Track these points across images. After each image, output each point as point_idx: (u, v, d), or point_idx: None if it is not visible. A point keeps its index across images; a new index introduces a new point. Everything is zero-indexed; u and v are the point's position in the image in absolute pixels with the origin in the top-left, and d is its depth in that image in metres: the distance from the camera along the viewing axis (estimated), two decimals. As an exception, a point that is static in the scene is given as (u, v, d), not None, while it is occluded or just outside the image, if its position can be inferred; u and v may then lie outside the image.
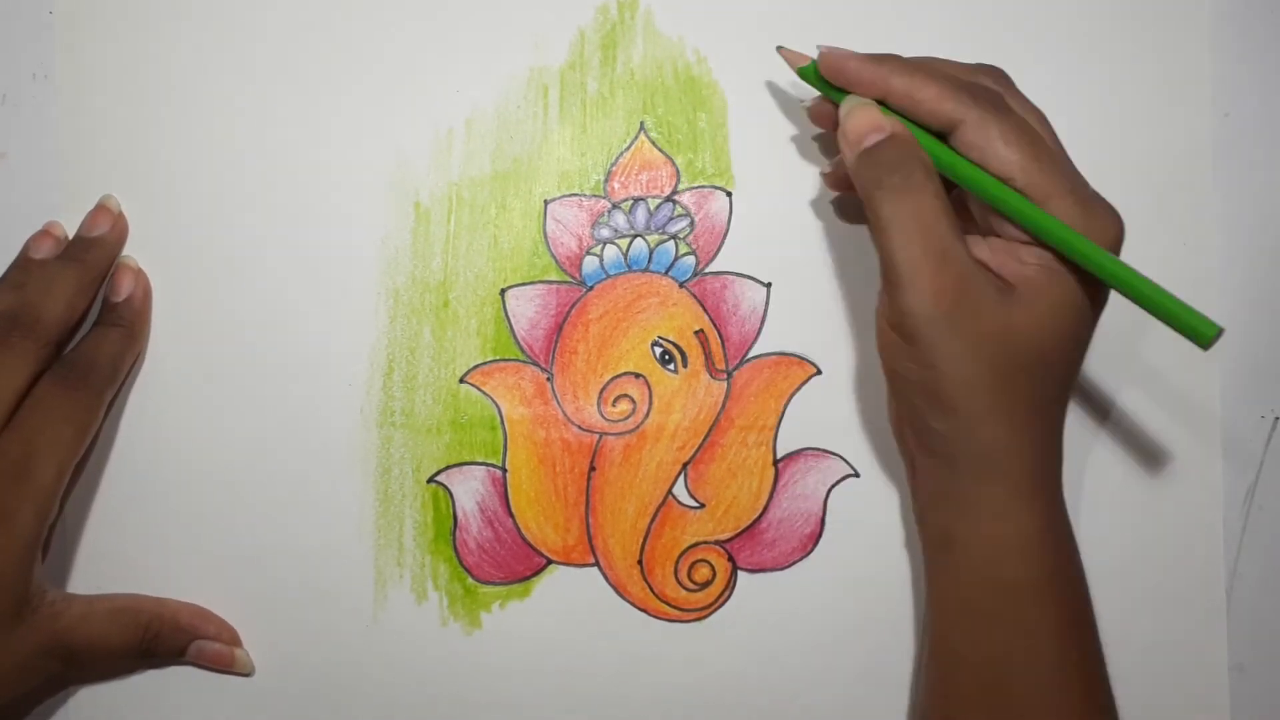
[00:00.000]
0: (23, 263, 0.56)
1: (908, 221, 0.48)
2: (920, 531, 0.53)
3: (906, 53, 0.58)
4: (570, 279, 0.59)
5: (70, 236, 0.57)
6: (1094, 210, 0.48)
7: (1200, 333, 0.42)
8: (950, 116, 0.49)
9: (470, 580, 0.58)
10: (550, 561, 0.58)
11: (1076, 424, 0.58)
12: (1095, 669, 0.50)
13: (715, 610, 0.58)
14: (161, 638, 0.56)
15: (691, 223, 0.59)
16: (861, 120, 0.50)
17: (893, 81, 0.50)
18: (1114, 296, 0.49)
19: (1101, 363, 0.58)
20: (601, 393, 0.58)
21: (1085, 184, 0.49)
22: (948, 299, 0.47)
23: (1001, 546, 0.49)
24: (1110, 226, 0.48)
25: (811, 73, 0.54)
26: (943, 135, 0.50)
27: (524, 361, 0.58)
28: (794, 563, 0.58)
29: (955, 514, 0.50)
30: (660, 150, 0.59)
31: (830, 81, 0.53)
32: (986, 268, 0.49)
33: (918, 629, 0.58)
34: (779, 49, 0.56)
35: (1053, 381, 0.49)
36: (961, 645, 0.51)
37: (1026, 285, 0.48)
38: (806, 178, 0.59)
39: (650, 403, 0.58)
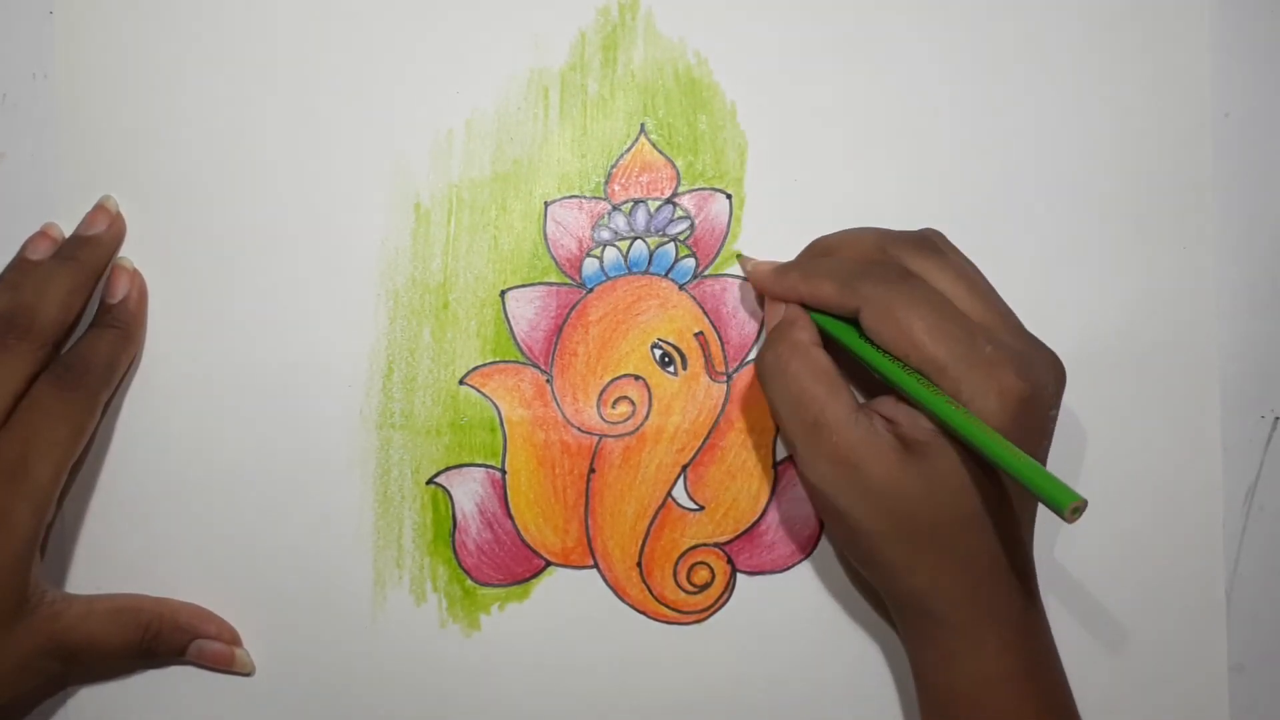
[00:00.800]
0: (19, 263, 0.56)
1: (782, 397, 0.51)
2: None
3: (904, 52, 0.59)
4: (570, 281, 0.59)
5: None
6: (991, 374, 0.47)
7: (1059, 502, 0.42)
8: (849, 306, 0.51)
9: (469, 582, 0.58)
10: (549, 563, 0.58)
11: (1077, 423, 0.58)
12: None
13: (714, 612, 0.58)
14: (161, 637, 0.56)
15: (691, 225, 0.59)
16: (767, 310, 0.56)
17: (800, 288, 0.54)
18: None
19: (1101, 363, 0.58)
20: (601, 395, 0.58)
21: (990, 343, 0.49)
22: (827, 463, 0.50)
23: (956, 687, 0.51)
24: (1010, 388, 0.47)
25: None
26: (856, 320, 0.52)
27: (524, 363, 0.58)
28: (793, 565, 0.58)
29: (917, 656, 0.53)
30: (660, 152, 0.59)
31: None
32: (895, 424, 0.50)
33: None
34: (738, 256, 0.59)
35: (973, 537, 0.49)
36: None
37: (921, 449, 0.48)
38: (806, 179, 0.59)
39: (650, 405, 0.58)
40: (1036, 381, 0.48)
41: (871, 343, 0.50)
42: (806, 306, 0.54)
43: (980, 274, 0.53)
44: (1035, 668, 0.51)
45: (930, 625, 0.51)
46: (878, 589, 0.54)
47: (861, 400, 0.51)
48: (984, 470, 0.49)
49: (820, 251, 0.56)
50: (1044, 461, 0.51)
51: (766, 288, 0.55)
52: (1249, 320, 0.60)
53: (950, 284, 0.51)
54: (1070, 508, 0.42)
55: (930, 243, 0.53)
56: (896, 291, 0.50)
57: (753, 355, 0.58)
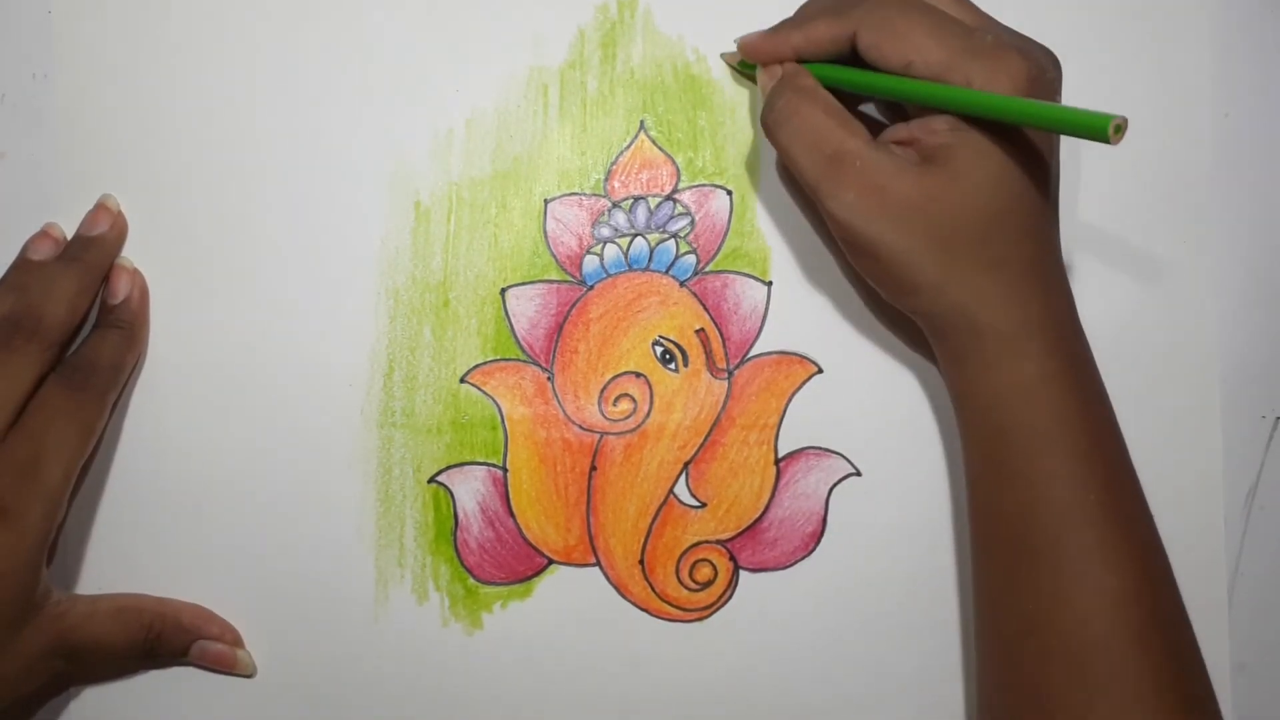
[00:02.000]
0: (22, 264, 0.56)
1: (797, 139, 0.52)
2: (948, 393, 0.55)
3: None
4: (571, 278, 0.59)
5: (69, 237, 0.57)
6: (997, 59, 0.48)
7: (1099, 126, 0.42)
8: (844, 33, 0.52)
9: (471, 580, 0.58)
10: (551, 561, 0.58)
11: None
12: (1130, 511, 0.51)
13: (717, 610, 0.58)
14: (164, 638, 0.56)
15: (692, 221, 0.59)
16: (761, 79, 0.56)
17: (793, 38, 0.54)
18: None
19: (1101, 363, 0.58)
20: (602, 392, 0.58)
21: (990, 34, 0.50)
22: (853, 191, 0.50)
23: (999, 394, 0.51)
24: (1019, 69, 0.48)
25: (744, 64, 0.58)
26: (856, 54, 0.52)
27: (524, 361, 0.58)
28: (795, 562, 0.58)
29: (956, 371, 0.53)
30: (660, 149, 0.59)
31: (755, 63, 0.57)
32: (909, 145, 0.51)
33: (919, 628, 0.58)
34: (721, 56, 0.60)
35: (1006, 236, 0.50)
36: (986, 498, 0.52)
37: (941, 152, 0.49)
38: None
39: (651, 402, 0.58)
40: (1039, 63, 0.49)
41: (872, 69, 0.51)
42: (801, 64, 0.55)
43: None
44: (1076, 370, 0.51)
45: (972, 338, 0.51)
46: (917, 318, 0.54)
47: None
48: (1009, 161, 0.49)
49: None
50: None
51: (761, 49, 0.55)
52: (1249, 320, 0.60)
53: None
54: (1112, 127, 0.42)
55: None
56: (889, 6, 0.51)
57: (754, 352, 0.58)
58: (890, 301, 0.54)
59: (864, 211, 0.50)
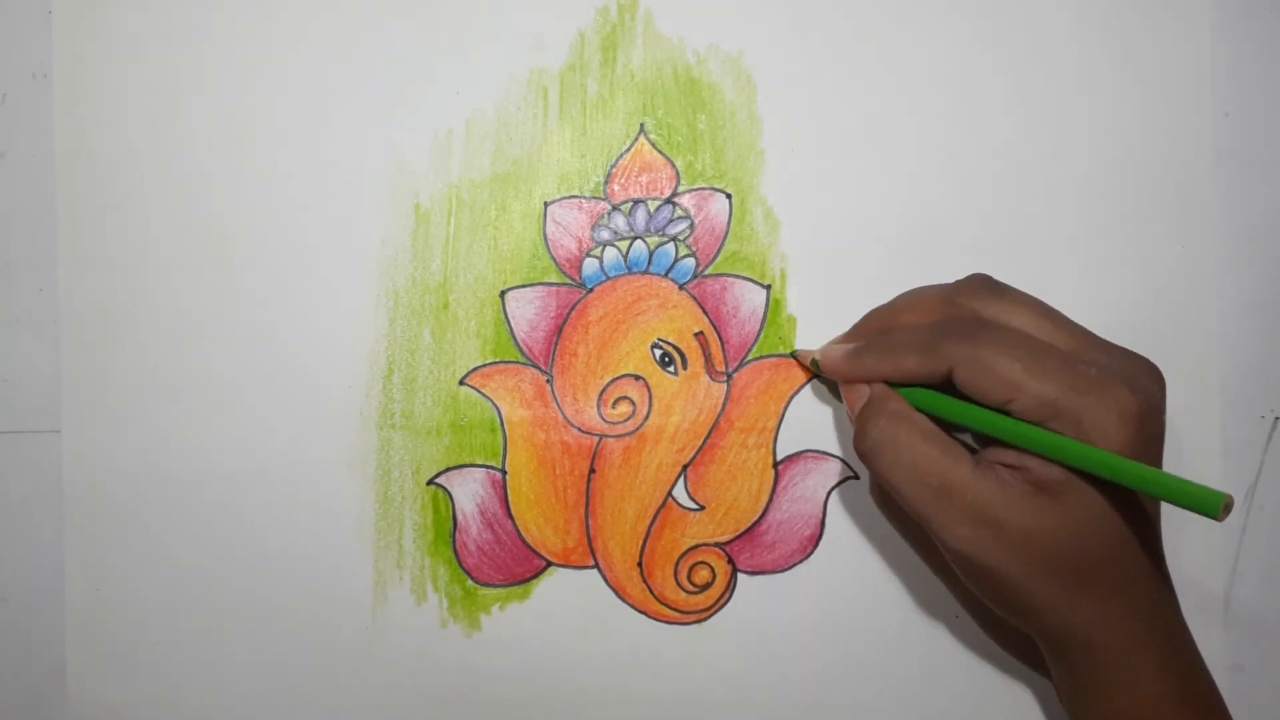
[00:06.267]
0: None
1: (898, 469, 0.50)
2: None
3: (905, 51, 0.58)
4: (570, 281, 0.59)
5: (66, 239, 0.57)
6: (1105, 394, 0.47)
7: (1210, 508, 0.42)
8: (939, 371, 0.50)
9: (470, 582, 0.58)
10: (550, 563, 0.58)
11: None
12: None
13: (715, 613, 0.58)
14: None
15: (691, 225, 0.59)
16: (848, 396, 0.54)
17: (881, 368, 0.52)
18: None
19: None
20: (601, 395, 0.58)
21: (1093, 365, 0.48)
22: (967, 526, 0.48)
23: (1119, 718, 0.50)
24: (1128, 405, 0.47)
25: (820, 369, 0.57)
26: (947, 383, 0.51)
27: (524, 364, 0.58)
28: (794, 565, 0.58)
29: (1072, 694, 0.52)
30: (660, 152, 0.59)
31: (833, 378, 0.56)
32: (1018, 470, 0.49)
33: (917, 631, 0.58)
34: (793, 355, 0.59)
35: (1129, 561, 0.49)
36: None
37: (1056, 486, 0.48)
38: (807, 177, 0.59)
39: (650, 405, 0.58)
40: (1146, 391, 0.48)
41: (969, 401, 0.50)
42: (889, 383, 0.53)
43: (1045, 303, 0.51)
44: (1193, 685, 0.50)
45: (1090, 659, 0.49)
46: (1035, 635, 0.52)
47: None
48: (1123, 503, 0.48)
49: (880, 322, 0.55)
50: (1161, 466, 0.50)
51: (844, 373, 0.54)
52: (1249, 320, 0.60)
53: (1026, 320, 0.50)
54: (1222, 507, 0.42)
55: (990, 285, 0.52)
56: (984, 342, 0.49)
57: (752, 354, 0.58)
58: (1006, 618, 0.52)
59: (980, 544, 0.48)
